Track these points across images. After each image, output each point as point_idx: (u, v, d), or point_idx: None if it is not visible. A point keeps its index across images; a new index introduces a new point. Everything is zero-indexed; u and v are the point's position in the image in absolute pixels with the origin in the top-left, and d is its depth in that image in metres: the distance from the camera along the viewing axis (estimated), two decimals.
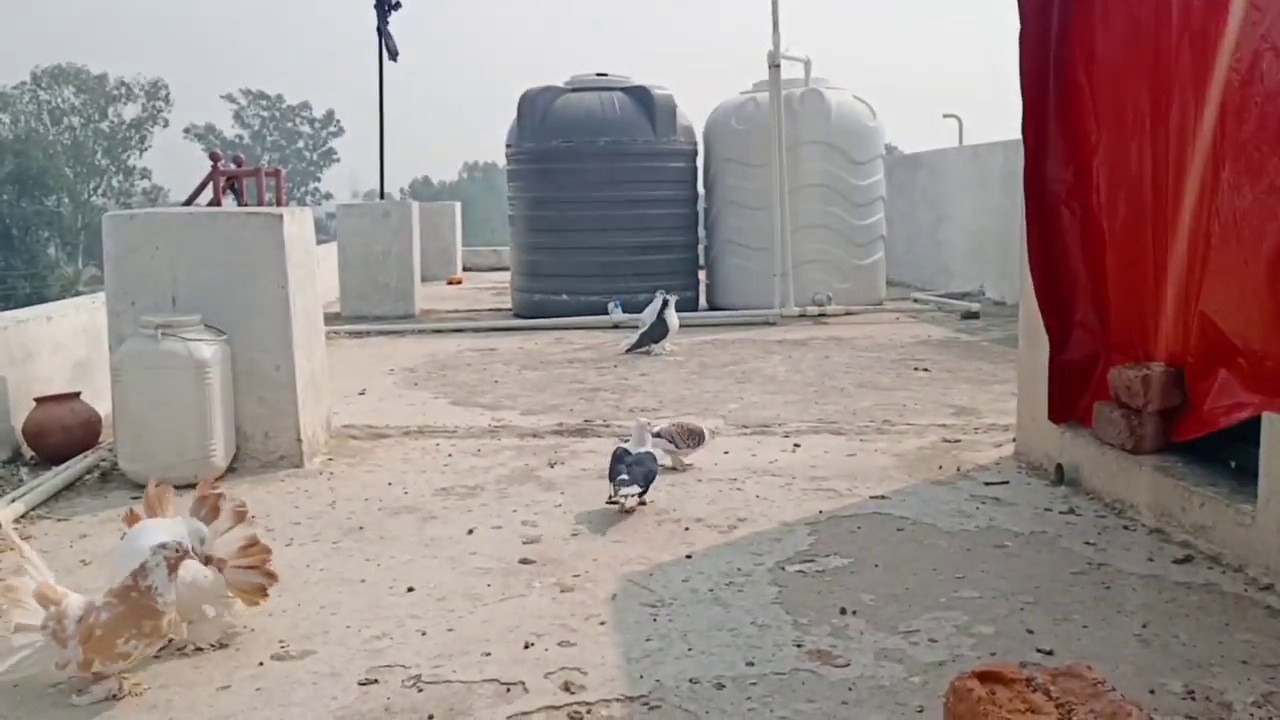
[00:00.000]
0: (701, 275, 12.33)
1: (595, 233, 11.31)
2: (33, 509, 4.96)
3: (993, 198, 12.66)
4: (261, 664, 3.25)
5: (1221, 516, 4.00)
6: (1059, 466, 5.11)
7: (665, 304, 9.10)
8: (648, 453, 4.89)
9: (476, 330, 10.97)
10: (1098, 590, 3.73)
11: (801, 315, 11.30)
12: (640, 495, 4.76)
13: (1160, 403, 4.49)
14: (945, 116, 20.48)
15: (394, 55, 13.40)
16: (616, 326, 10.73)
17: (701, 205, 12.28)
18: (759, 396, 7.23)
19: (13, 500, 4.90)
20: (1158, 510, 4.36)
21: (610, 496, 4.79)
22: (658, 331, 9.12)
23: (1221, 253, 4.03)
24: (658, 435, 5.21)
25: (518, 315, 11.82)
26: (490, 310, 12.73)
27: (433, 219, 16.94)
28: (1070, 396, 5.10)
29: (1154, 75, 4.42)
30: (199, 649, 3.36)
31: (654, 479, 4.81)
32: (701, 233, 12.27)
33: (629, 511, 4.72)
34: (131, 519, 3.47)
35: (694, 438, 5.34)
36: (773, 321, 11.04)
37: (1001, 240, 12.36)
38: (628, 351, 9.08)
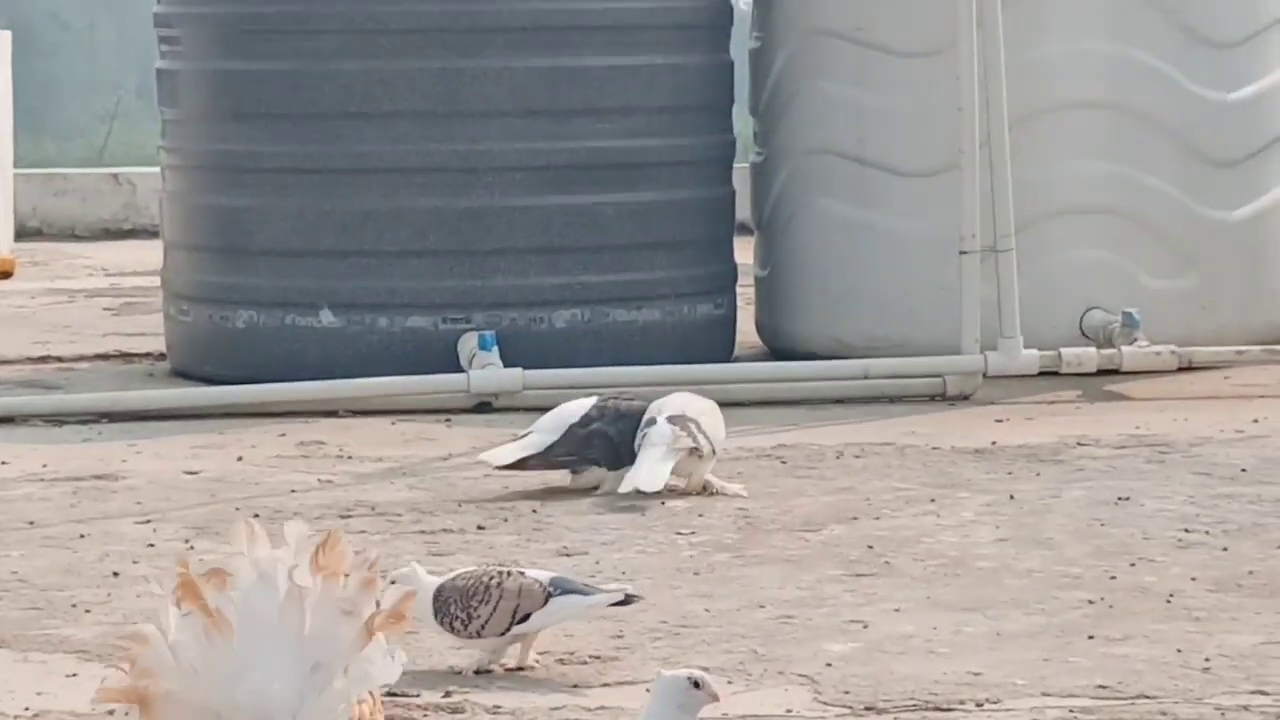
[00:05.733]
0: (746, 263, 6.34)
1: (427, 172, 5.66)
2: None
3: None
4: None
5: None
6: None
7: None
8: None
9: (58, 418, 6.07)
10: None
11: (1044, 374, 5.72)
12: None
13: None
14: None
15: None
16: (481, 408, 5.42)
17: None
18: (915, 616, 3.73)
19: None
20: None
21: None
22: (612, 439, 4.37)
23: None
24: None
25: (180, 372, 6.06)
26: (98, 358, 6.80)
27: None
28: None
29: None
30: None
31: None
32: (746, 162, 6.46)
33: None
34: None
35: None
36: (958, 395, 5.67)
37: None
38: (512, 467, 4.32)
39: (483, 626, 2.50)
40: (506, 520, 3.98)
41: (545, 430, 3.96)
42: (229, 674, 1.55)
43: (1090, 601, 3.59)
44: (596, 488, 4.08)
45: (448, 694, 2.65)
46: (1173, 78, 5.34)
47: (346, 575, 1.61)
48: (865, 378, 4.95)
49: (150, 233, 8.22)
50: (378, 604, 1.56)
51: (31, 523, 4.15)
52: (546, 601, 2.56)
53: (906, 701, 3.03)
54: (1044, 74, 5.31)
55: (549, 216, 5.01)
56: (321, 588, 1.55)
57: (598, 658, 2.91)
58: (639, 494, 4.02)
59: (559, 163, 5.04)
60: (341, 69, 5.14)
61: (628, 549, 3.74)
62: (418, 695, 2.61)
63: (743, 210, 5.72)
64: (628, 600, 2.57)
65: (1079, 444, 4.84)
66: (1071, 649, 3.32)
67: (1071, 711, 2.96)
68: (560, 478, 4.11)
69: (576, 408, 3.92)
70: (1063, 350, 5.02)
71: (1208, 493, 4.42)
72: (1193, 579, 3.58)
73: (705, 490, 3.98)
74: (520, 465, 3.95)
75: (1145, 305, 5.21)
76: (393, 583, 2.38)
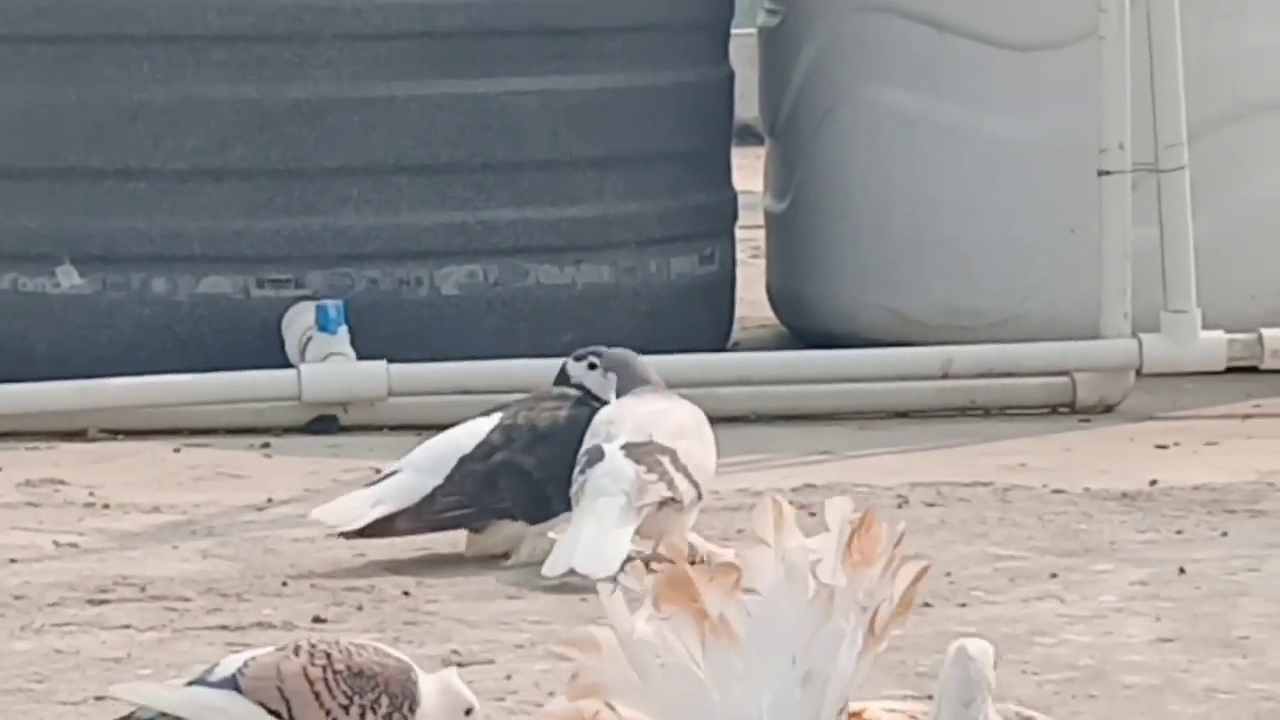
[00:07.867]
0: (754, 191, 4.70)
1: (230, 42, 4.06)
2: None
3: None
4: None
5: None
6: None
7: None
8: None
9: None
10: None
11: (1235, 370, 4.14)
12: None
13: None
14: None
15: None
16: (320, 424, 4.06)
17: None
18: None
19: None
20: None
21: None
22: (530, 475, 3.35)
23: None
24: None
25: None
26: None
27: None
28: None
29: None
30: None
31: None
32: (752, 27, 5.00)
33: None
34: None
35: None
36: (1095, 404, 4.31)
37: None
38: (368, 533, 3.25)
39: None
40: (361, 609, 2.99)
41: (421, 468, 3.00)
42: (724, 701, 1.44)
43: None
44: (507, 555, 3.03)
45: None
46: None
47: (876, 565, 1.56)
48: (945, 376, 3.78)
49: None
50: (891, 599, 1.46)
51: None
52: None
53: None
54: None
55: (431, 114, 3.77)
56: (847, 584, 1.41)
57: None
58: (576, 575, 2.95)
59: (447, 26, 3.78)
60: None
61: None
62: None
63: (747, 106, 4.52)
64: None
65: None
66: None
67: None
68: (449, 539, 3.10)
69: (468, 434, 2.98)
70: (1264, 333, 3.79)
71: None
72: None
73: (684, 558, 2.89)
74: (381, 529, 2.96)
75: None
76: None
